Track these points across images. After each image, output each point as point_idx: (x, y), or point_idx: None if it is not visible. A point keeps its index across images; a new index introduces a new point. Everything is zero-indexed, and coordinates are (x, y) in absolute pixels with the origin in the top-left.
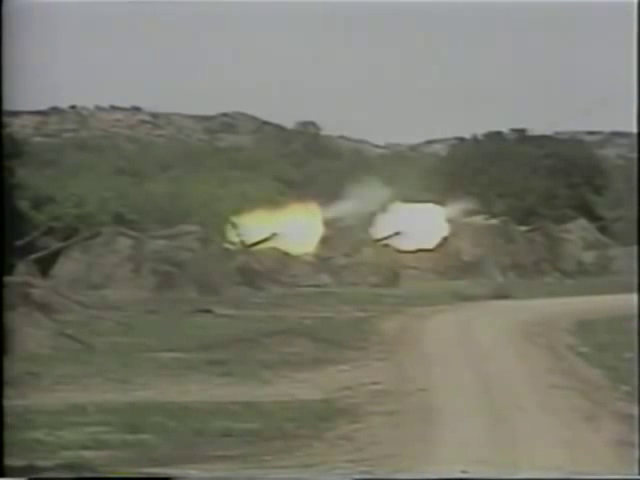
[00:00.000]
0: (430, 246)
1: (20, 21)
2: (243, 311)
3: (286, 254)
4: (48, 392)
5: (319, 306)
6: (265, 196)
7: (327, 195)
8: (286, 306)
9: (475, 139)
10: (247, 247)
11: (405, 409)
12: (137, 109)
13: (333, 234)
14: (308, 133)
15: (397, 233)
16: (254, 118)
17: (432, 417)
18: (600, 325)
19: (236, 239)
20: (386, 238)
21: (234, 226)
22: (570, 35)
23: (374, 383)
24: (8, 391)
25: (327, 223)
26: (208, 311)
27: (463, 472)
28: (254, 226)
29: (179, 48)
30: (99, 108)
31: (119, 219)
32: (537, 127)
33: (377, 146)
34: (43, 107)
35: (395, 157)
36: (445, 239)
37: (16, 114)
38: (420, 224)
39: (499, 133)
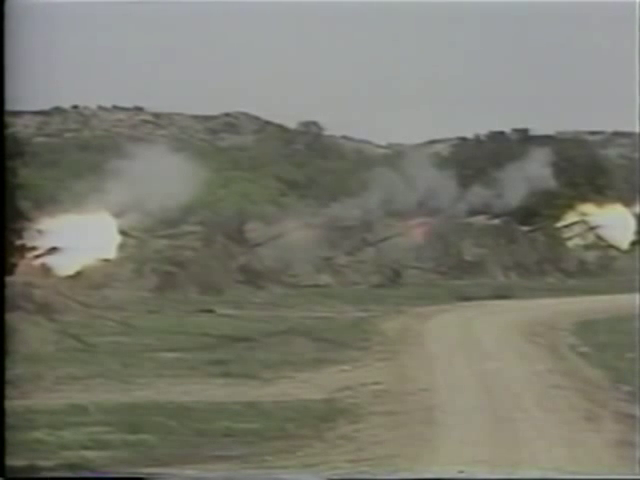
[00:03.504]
0: None
1: (22, 21)
2: (244, 311)
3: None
4: (49, 392)
5: (320, 306)
6: (267, 196)
7: (329, 195)
8: (287, 306)
9: (477, 139)
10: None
11: (406, 409)
12: (139, 109)
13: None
14: (310, 133)
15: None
16: (256, 118)
17: (433, 417)
18: (601, 325)
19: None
20: (387, 238)
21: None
22: (570, 35)
23: (375, 383)
24: (9, 391)
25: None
26: (210, 311)
27: (460, 472)
28: None
29: (181, 48)
30: (101, 108)
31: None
32: (539, 127)
33: (379, 146)
34: (45, 107)
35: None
36: None
37: (18, 114)
38: None
39: (501, 133)
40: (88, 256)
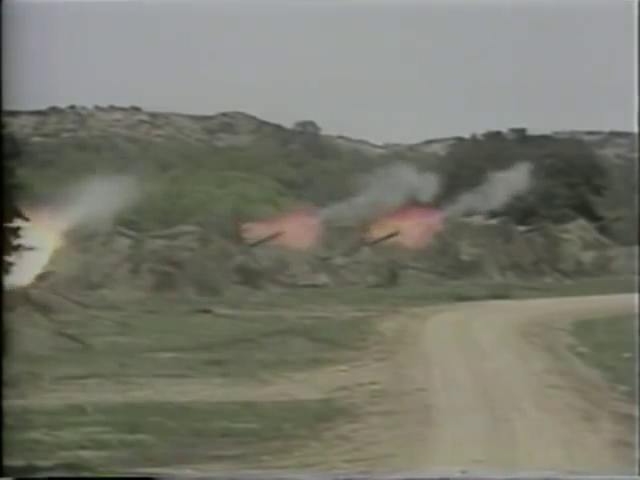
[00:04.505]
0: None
1: (19, 21)
2: (242, 311)
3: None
4: (47, 392)
5: (318, 306)
6: (264, 196)
7: (326, 195)
8: (285, 306)
9: (474, 139)
10: None
11: (404, 409)
12: (136, 109)
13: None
14: (307, 133)
15: (395, 233)
16: (253, 118)
17: (431, 417)
18: (599, 325)
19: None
20: (384, 238)
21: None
22: (570, 35)
23: (373, 383)
24: (7, 391)
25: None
26: (207, 311)
27: (462, 472)
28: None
29: (178, 48)
30: (98, 108)
31: (119, 219)
32: (537, 127)
33: (376, 146)
34: (42, 107)
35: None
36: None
37: (15, 114)
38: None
39: (498, 133)
40: None
